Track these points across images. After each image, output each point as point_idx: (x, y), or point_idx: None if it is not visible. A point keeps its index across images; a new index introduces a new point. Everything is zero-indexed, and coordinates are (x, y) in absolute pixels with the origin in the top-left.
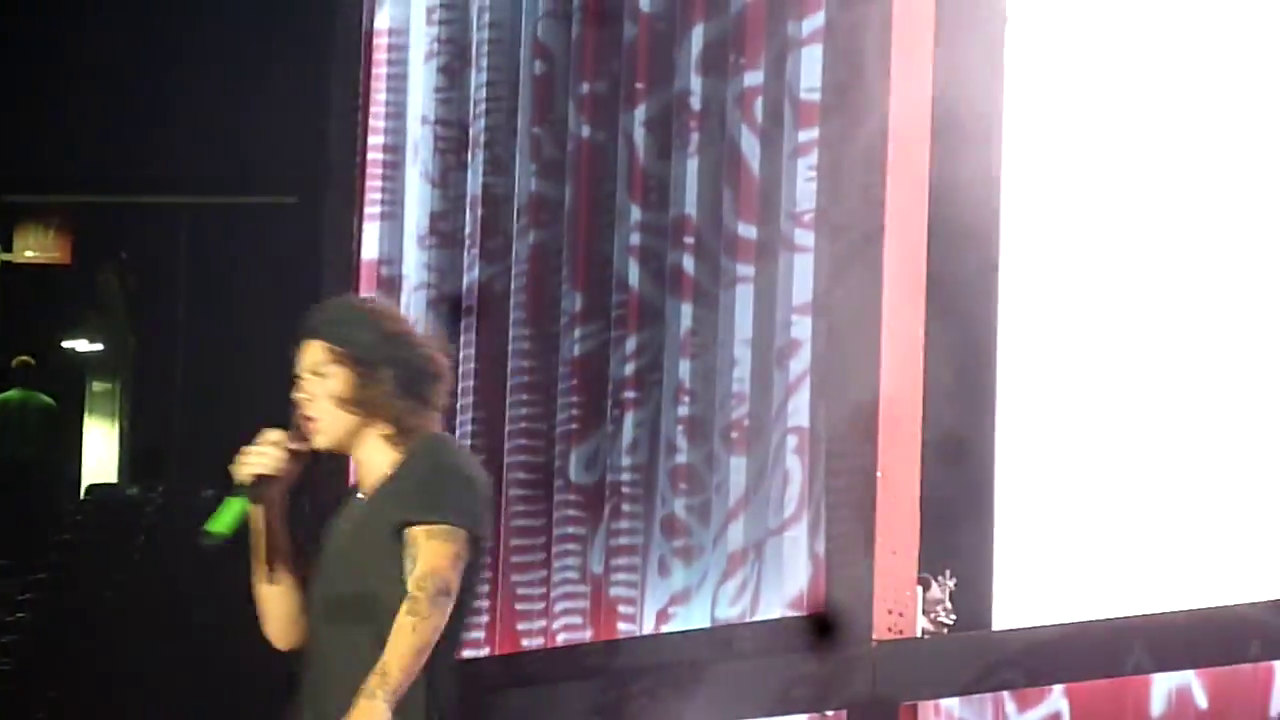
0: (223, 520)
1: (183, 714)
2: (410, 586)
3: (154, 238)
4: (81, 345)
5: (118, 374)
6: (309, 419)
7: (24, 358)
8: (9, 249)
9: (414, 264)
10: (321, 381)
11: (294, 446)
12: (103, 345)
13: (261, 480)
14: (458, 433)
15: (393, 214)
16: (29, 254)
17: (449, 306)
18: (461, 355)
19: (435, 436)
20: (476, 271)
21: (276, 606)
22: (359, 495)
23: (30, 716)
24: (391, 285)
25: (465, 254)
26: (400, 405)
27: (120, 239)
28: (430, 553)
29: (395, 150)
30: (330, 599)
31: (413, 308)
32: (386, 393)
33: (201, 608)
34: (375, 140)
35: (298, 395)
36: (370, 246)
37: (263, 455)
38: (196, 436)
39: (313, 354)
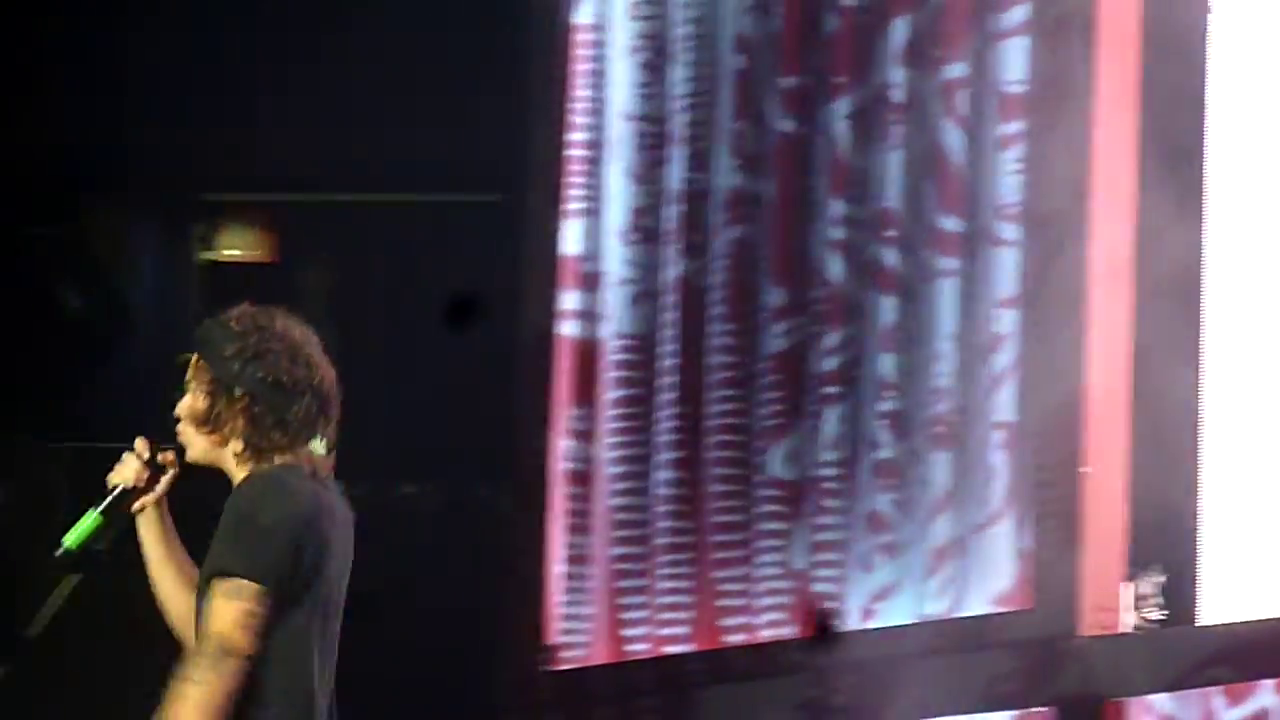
0: (74, 534)
1: (383, 713)
2: (196, 645)
3: (355, 235)
4: None
5: None
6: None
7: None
8: (211, 247)
9: (615, 260)
10: (187, 395)
11: (160, 459)
12: None
13: (122, 493)
14: (658, 430)
15: (594, 210)
16: (231, 252)
17: (651, 302)
18: (661, 351)
19: (253, 476)
20: (678, 267)
21: (172, 613)
22: None
23: None
24: (593, 282)
25: (666, 250)
26: (251, 430)
27: (322, 237)
28: (215, 611)
29: (596, 146)
30: None
31: (614, 304)
32: (238, 414)
33: (406, 604)
34: (576, 137)
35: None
36: (571, 243)
37: (122, 467)
38: (399, 435)
39: (190, 367)
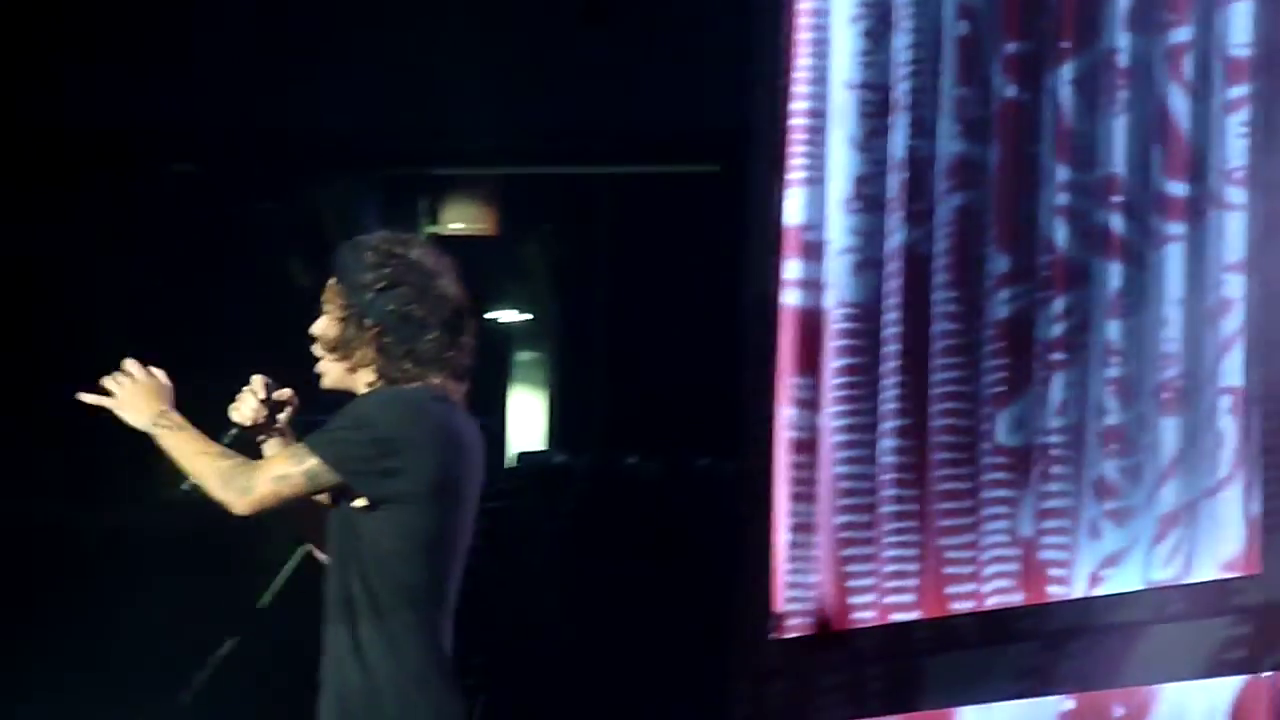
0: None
1: (611, 682)
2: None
3: (577, 208)
4: (507, 316)
5: (543, 344)
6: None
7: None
8: (436, 221)
9: (838, 229)
10: (322, 319)
11: (276, 396)
12: (528, 315)
13: (239, 428)
14: (883, 398)
15: (816, 179)
16: (455, 226)
17: (874, 270)
18: (885, 319)
19: (380, 389)
20: (901, 235)
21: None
22: None
23: (461, 681)
24: (815, 251)
25: (890, 218)
26: (382, 359)
27: (544, 209)
28: (275, 463)
29: (818, 115)
30: None
31: (837, 272)
32: (369, 342)
33: (633, 574)
34: (798, 106)
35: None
36: (794, 212)
37: (239, 404)
38: (622, 405)
39: (327, 290)
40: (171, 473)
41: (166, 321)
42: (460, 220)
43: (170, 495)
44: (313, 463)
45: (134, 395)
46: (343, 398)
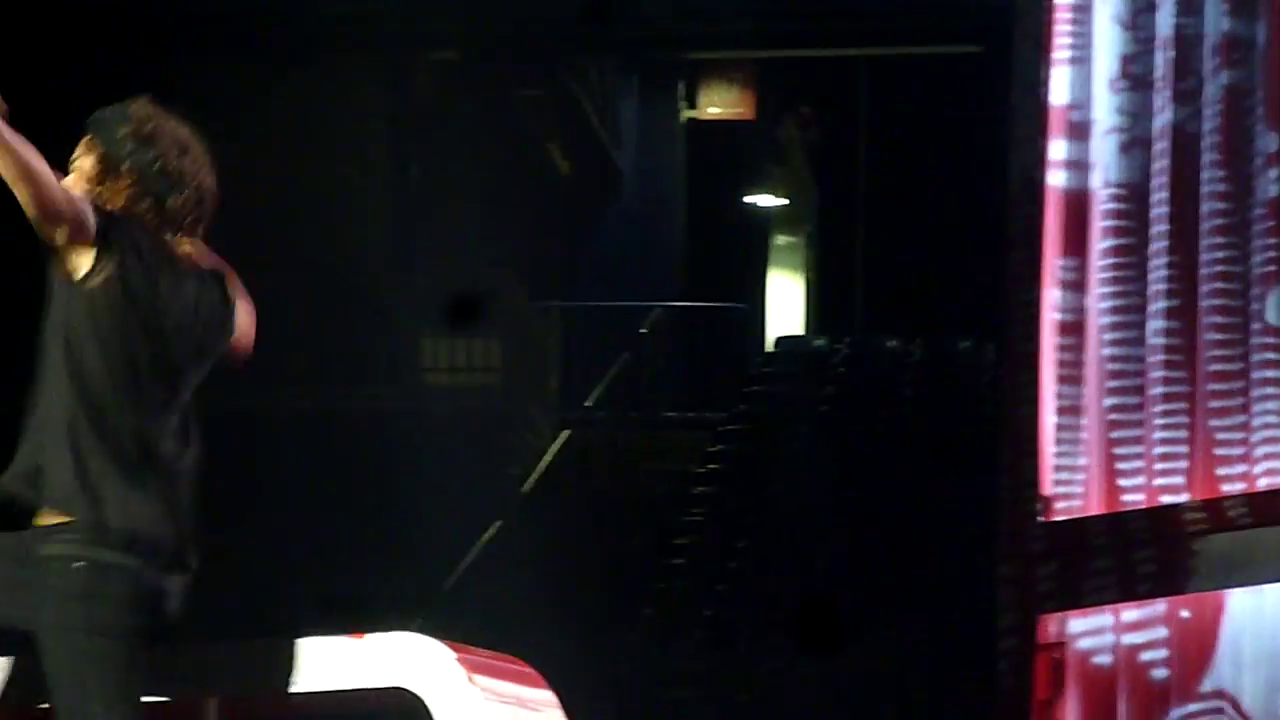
0: None
1: (870, 564)
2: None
3: (834, 90)
4: (765, 200)
5: (801, 227)
6: None
7: None
8: (694, 105)
9: (1105, 108)
10: (82, 163)
11: None
12: (786, 199)
13: None
14: (1150, 279)
15: (1082, 59)
16: (713, 110)
17: (1141, 150)
18: (1153, 199)
19: None
20: (1168, 114)
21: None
22: None
23: (723, 565)
24: (1081, 130)
25: (1157, 96)
26: (129, 204)
27: (801, 92)
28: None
29: None
30: None
31: (1104, 152)
32: (120, 192)
33: (886, 455)
34: None
35: None
36: (1059, 92)
37: None
38: (881, 288)
39: (80, 147)
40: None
41: (430, 201)
42: (717, 105)
43: (435, 380)
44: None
45: None
46: None
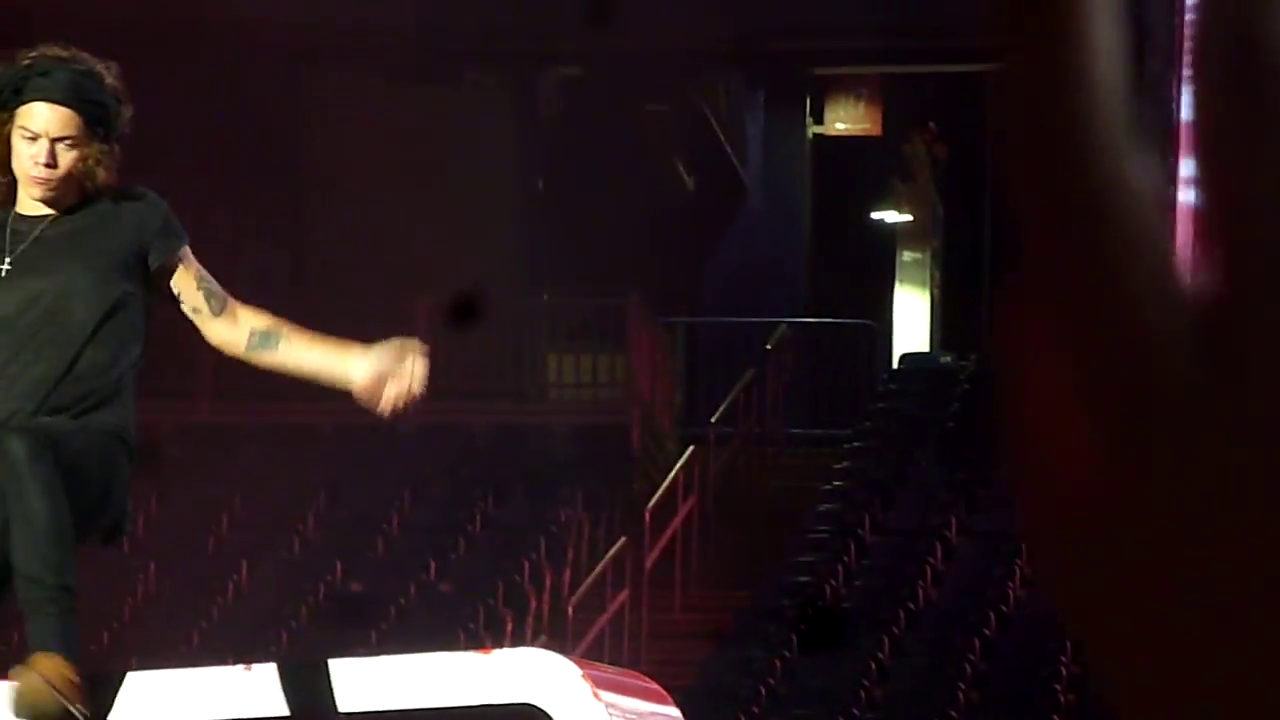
0: None
1: (990, 584)
2: None
3: (961, 106)
4: (891, 216)
5: (928, 243)
6: None
7: None
8: (820, 121)
9: None
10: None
11: None
12: (911, 215)
13: None
14: None
15: None
16: (840, 126)
17: None
18: None
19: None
20: None
21: None
22: None
23: (849, 584)
24: None
25: None
26: (106, 162)
27: (928, 108)
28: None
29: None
30: None
31: None
32: (106, 152)
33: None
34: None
35: None
36: (1188, 108)
37: None
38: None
39: (65, 122)
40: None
41: (543, 216)
42: (844, 120)
43: (560, 395)
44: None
45: None
46: None
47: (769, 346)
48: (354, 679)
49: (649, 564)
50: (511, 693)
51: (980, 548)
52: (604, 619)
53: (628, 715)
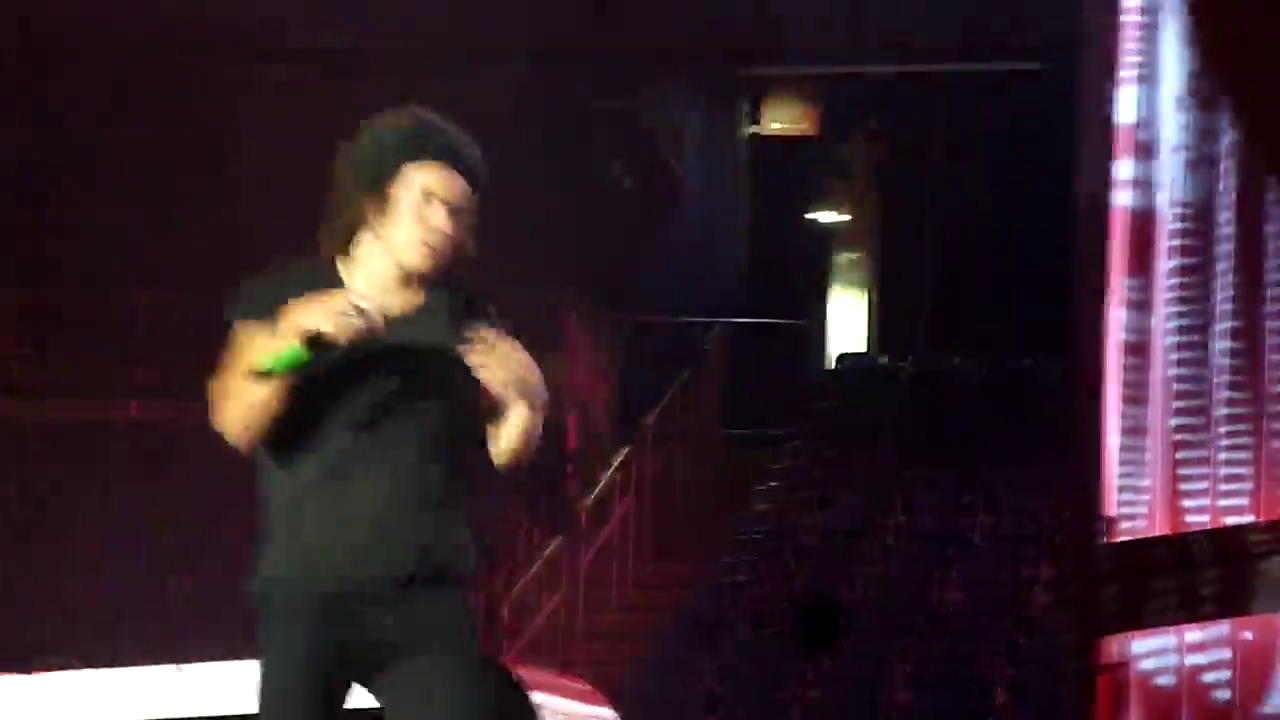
0: (274, 360)
1: (935, 587)
2: None
3: (901, 107)
4: (828, 216)
5: (866, 244)
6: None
7: None
8: (757, 121)
9: (1171, 127)
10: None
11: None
12: (849, 216)
13: (319, 334)
14: (1217, 298)
15: (1149, 76)
16: (776, 126)
17: (1207, 169)
18: (1218, 219)
19: None
20: (1235, 133)
21: None
22: None
23: (784, 582)
24: (1149, 149)
25: (1223, 115)
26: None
27: (867, 109)
28: None
29: (1152, 11)
30: None
31: (1170, 171)
32: None
33: (955, 477)
34: (1131, 2)
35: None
36: (1126, 110)
37: (330, 313)
38: (946, 307)
39: (463, 194)
40: None
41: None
42: (781, 120)
43: None
44: None
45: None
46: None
47: (706, 346)
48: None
49: (585, 564)
50: None
51: (919, 549)
52: (539, 619)
53: (561, 716)
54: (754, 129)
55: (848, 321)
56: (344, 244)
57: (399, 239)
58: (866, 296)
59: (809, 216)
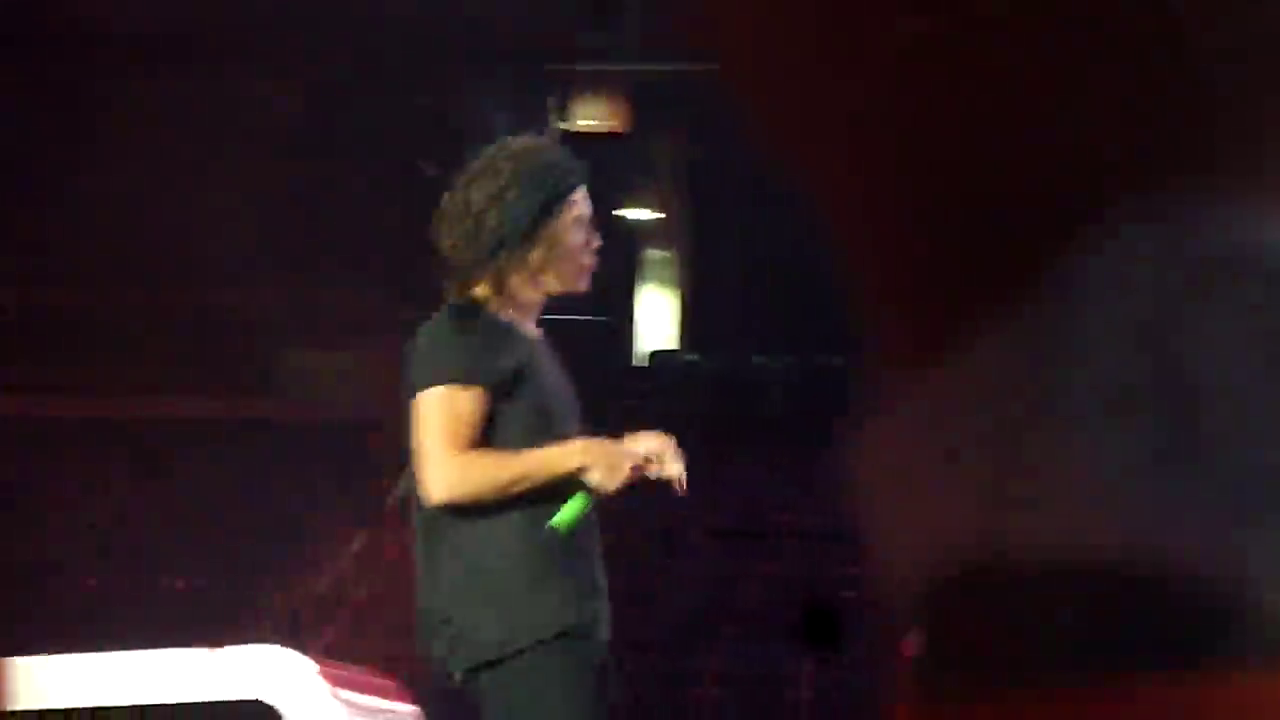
0: (563, 516)
1: (744, 592)
2: None
3: (711, 106)
4: (637, 214)
5: (674, 243)
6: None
7: None
8: (565, 118)
9: None
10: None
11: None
12: (659, 214)
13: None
14: None
15: None
16: (584, 123)
17: None
18: None
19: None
20: None
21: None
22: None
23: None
24: None
25: None
26: None
27: (677, 107)
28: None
29: None
30: None
31: None
32: None
33: (764, 474)
34: None
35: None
36: None
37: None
38: (753, 304)
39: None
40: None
41: (309, 218)
42: (590, 117)
43: (304, 393)
44: None
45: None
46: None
47: None
48: (72, 675)
49: (390, 559)
50: (240, 689)
51: (724, 547)
52: (345, 614)
53: (363, 711)
54: (562, 125)
55: (657, 319)
56: (489, 282)
57: (568, 265)
58: (677, 294)
59: (617, 213)
